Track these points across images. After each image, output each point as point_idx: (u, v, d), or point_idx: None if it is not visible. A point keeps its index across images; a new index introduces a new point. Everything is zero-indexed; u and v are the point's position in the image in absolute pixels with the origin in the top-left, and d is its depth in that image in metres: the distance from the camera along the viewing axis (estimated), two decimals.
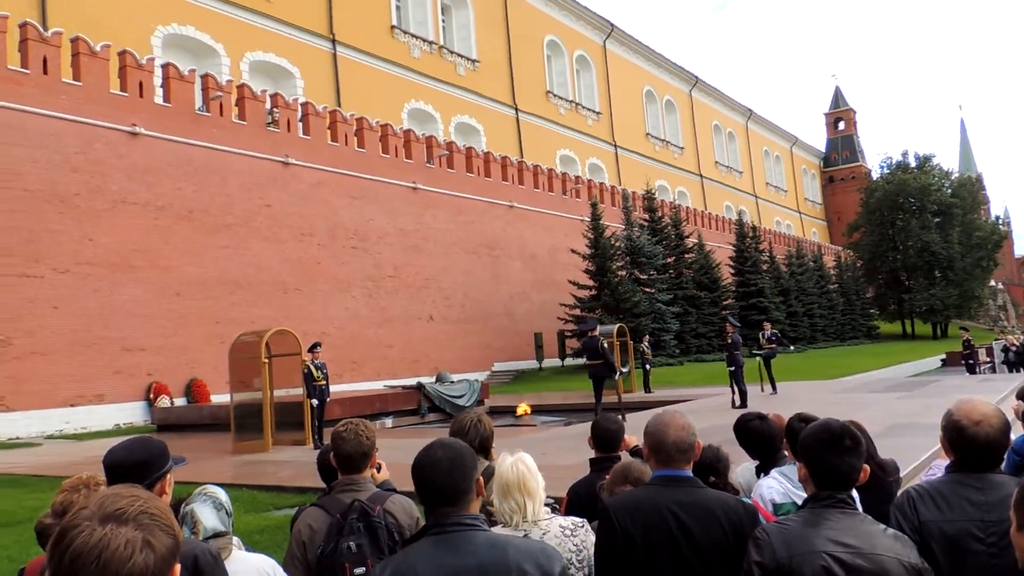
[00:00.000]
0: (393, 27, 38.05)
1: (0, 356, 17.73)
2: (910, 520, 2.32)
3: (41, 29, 20.16)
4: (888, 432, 10.63)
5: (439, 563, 2.02)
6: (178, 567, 1.21)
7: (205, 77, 23.90)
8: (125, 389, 19.89)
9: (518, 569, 2.00)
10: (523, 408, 18.05)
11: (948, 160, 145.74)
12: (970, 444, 2.36)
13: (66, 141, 19.54)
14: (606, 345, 15.33)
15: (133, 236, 20.58)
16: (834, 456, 2.21)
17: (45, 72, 19.46)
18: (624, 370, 17.22)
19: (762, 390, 18.33)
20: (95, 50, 20.64)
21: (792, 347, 20.66)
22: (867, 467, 2.28)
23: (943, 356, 36.40)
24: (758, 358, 18.67)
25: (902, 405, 14.64)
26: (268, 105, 25.47)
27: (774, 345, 18.77)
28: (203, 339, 21.54)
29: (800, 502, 3.19)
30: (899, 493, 2.71)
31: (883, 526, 2.18)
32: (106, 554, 1.11)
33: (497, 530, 2.75)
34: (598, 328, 15.98)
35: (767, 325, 19.72)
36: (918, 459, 8.48)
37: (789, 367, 29.79)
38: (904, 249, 59.74)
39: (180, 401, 20.69)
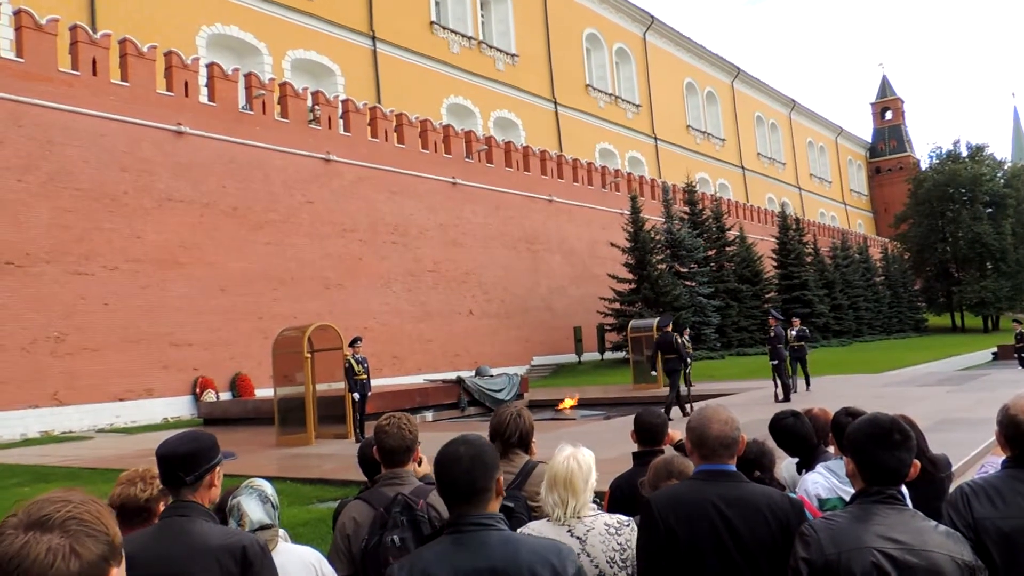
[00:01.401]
0: (432, 23, 38.18)
1: (54, 352, 18.26)
2: (964, 517, 2.25)
3: (90, 31, 20.66)
4: (938, 427, 10.39)
5: (452, 563, 2.01)
6: (116, 571, 1.14)
7: (248, 76, 24.27)
8: (172, 383, 20.34)
9: (530, 570, 1.98)
10: (569, 401, 18.06)
11: (1001, 149, 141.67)
12: None
13: (115, 141, 20.01)
14: (679, 340, 15.67)
15: (179, 233, 21.01)
16: (883, 451, 2.15)
17: (95, 73, 19.94)
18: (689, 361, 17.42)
19: (795, 388, 17.71)
20: (142, 51, 21.08)
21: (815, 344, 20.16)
22: (917, 462, 2.22)
23: (995, 349, 35.42)
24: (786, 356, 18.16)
25: (952, 399, 14.29)
26: (309, 103, 25.77)
27: (803, 342, 18.15)
28: (247, 334, 21.91)
29: (846, 497, 3.13)
30: (951, 489, 2.64)
31: (934, 522, 2.12)
32: (25, 563, 1.06)
33: (540, 524, 2.75)
34: (671, 324, 16.41)
35: (796, 321, 19.04)
36: (969, 454, 8.28)
37: (835, 361, 29.31)
38: (954, 240, 58.23)
39: (225, 395, 21.08)
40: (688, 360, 22.13)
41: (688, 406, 14.94)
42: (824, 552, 2.05)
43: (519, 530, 2.56)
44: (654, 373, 16.95)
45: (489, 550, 2.03)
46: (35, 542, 1.08)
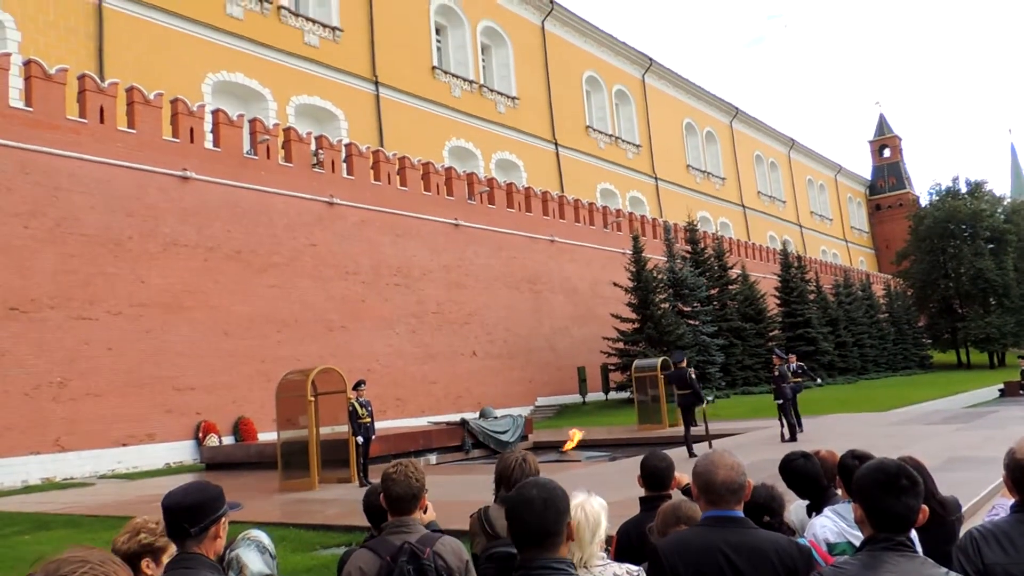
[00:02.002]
0: (434, 68, 38.78)
1: (57, 397, 18.21)
2: (974, 563, 2.23)
3: (98, 80, 21.01)
4: (946, 466, 10.29)
5: None
6: None
7: (253, 121, 24.60)
8: (175, 428, 20.24)
9: None
10: (575, 438, 17.83)
11: (1000, 185, 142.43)
12: None
13: (120, 187, 20.22)
14: (693, 376, 15.53)
15: (184, 277, 21.10)
16: (890, 497, 2.14)
17: (102, 121, 20.22)
18: (710, 399, 17.00)
19: (782, 439, 16.42)
20: (149, 98, 21.41)
21: (819, 381, 19.21)
22: (926, 508, 2.20)
23: (1001, 386, 35.16)
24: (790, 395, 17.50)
25: (960, 437, 14.17)
26: (313, 147, 26.07)
27: (800, 379, 17.48)
28: (250, 377, 21.87)
29: (855, 541, 3.11)
30: (961, 533, 2.62)
31: (944, 569, 2.10)
32: None
33: None
34: (685, 359, 16.21)
35: (792, 357, 18.25)
36: (979, 494, 8.19)
37: (841, 399, 29.12)
38: (956, 277, 58.26)
39: (228, 439, 20.96)
40: (704, 398, 22.10)
41: (708, 442, 14.73)
42: None
43: None
44: (705, 404, 16.18)
45: None
46: None
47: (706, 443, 14.95)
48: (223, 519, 2.49)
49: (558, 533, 2.13)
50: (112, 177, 20.09)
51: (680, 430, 16.10)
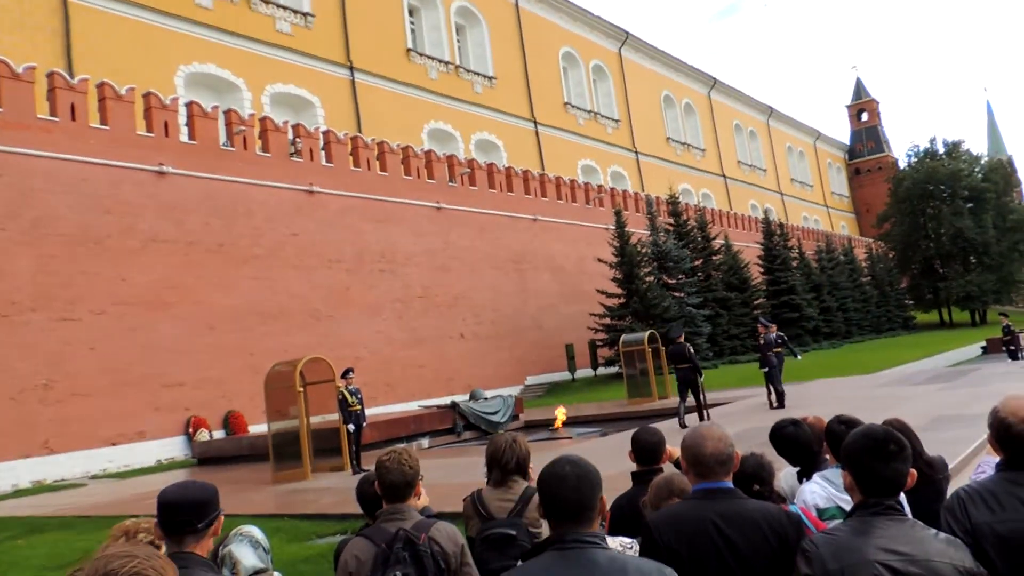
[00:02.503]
0: (409, 50, 38.44)
1: (43, 400, 18.08)
2: (961, 522, 2.26)
3: (68, 77, 20.66)
4: (932, 425, 10.42)
5: None
6: None
7: (228, 112, 24.32)
8: (165, 425, 20.17)
9: None
10: (560, 415, 17.96)
11: (976, 144, 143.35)
12: (1018, 442, 2.30)
13: (97, 184, 19.97)
14: (692, 350, 15.73)
15: (165, 273, 20.93)
16: (879, 463, 2.16)
17: (73, 118, 19.92)
18: (796, 354, 16.93)
19: (771, 406, 16.46)
20: (120, 93, 21.10)
21: (798, 356, 18.83)
22: (914, 471, 2.23)
23: (983, 343, 35.64)
24: (764, 369, 16.76)
25: (944, 397, 14.36)
26: (290, 136, 25.83)
27: (779, 350, 16.85)
28: (238, 371, 21.78)
29: (844, 506, 3.14)
30: (949, 493, 2.66)
31: (934, 531, 2.13)
32: None
33: None
34: (682, 334, 16.42)
35: (772, 327, 17.54)
36: (965, 452, 8.31)
37: (826, 363, 29.39)
38: (937, 237, 58.75)
39: (219, 434, 20.91)
40: (701, 371, 22.22)
41: (705, 412, 15.07)
42: (826, 567, 2.06)
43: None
44: (702, 377, 16.18)
45: (596, 567, 2.02)
46: None
47: (695, 414, 15.13)
48: (221, 517, 2.50)
49: (592, 508, 2.15)
50: (87, 175, 19.84)
51: (671, 402, 16.22)
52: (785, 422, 3.87)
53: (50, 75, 20.07)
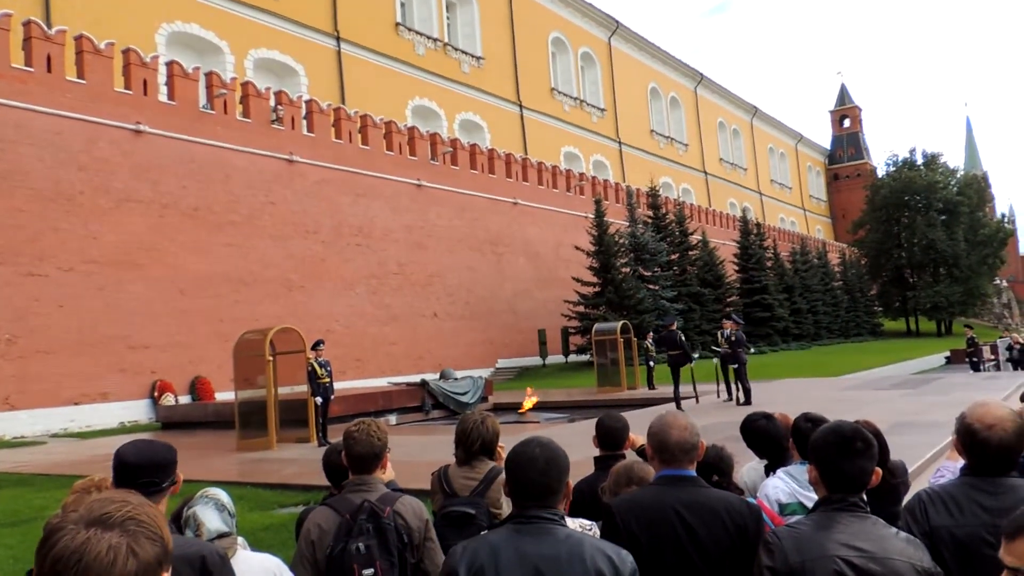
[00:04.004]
0: (398, 24, 38.03)
1: (5, 355, 17.77)
2: (920, 524, 2.30)
3: (45, 27, 20.18)
4: (892, 430, 10.58)
5: (518, 548, 2.05)
6: None
7: (209, 75, 23.92)
8: (130, 387, 19.94)
9: (593, 565, 2.02)
10: (529, 402, 18.05)
11: (954, 157, 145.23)
12: (982, 448, 2.34)
13: (71, 139, 19.58)
14: (683, 338, 16.18)
15: (138, 234, 20.61)
16: (845, 459, 2.18)
17: (49, 70, 19.48)
18: (696, 356, 17.26)
19: (718, 396, 16.51)
20: (99, 48, 20.66)
21: (751, 349, 18.67)
22: (879, 470, 2.26)
23: (947, 354, 36.31)
24: (715, 360, 16.85)
25: (906, 403, 14.60)
26: (272, 103, 25.49)
27: (727, 348, 16.11)
28: (207, 337, 21.57)
29: (806, 502, 3.18)
30: (908, 494, 2.70)
31: (895, 529, 2.15)
32: (87, 559, 1.09)
33: None
34: (675, 322, 16.96)
35: (727, 324, 16.92)
36: (923, 457, 8.47)
37: (794, 364, 29.77)
38: (909, 246, 59.64)
39: (185, 399, 20.73)
40: (651, 363, 22.47)
41: (695, 397, 15.72)
42: (788, 560, 2.08)
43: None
44: (691, 364, 16.26)
45: (554, 540, 2.07)
46: (96, 539, 1.11)
47: (672, 404, 15.32)
48: (180, 477, 2.48)
49: (558, 492, 2.17)
50: (61, 129, 19.43)
51: (640, 392, 16.40)
52: (757, 415, 3.91)
53: (26, 24, 19.58)
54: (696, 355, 16.87)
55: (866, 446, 2.20)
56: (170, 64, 22.79)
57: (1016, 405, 5.58)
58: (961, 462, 2.49)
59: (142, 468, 2.38)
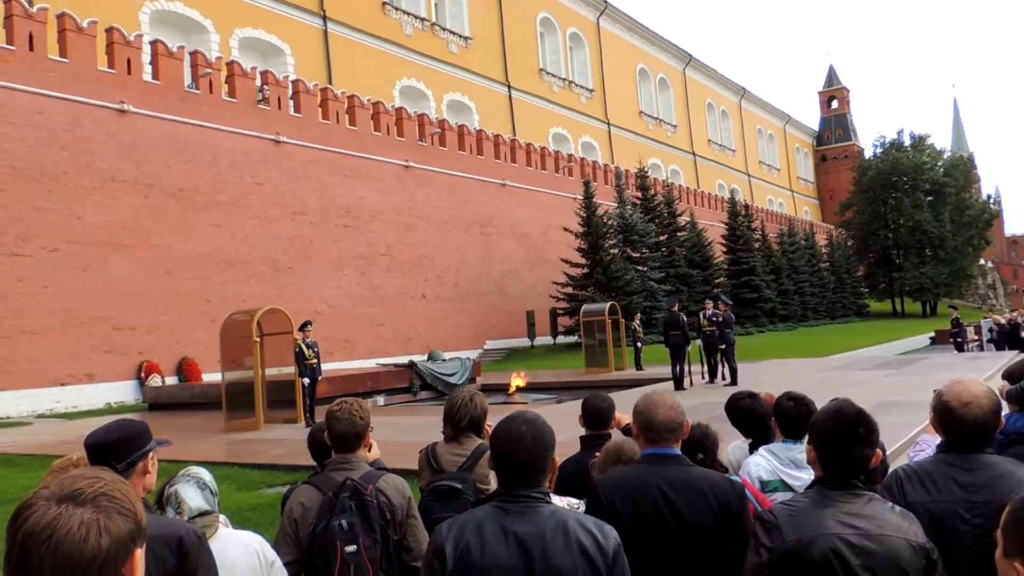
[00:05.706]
0: (385, 3, 37.65)
1: None
2: (897, 500, 2.31)
3: (26, 5, 19.86)
4: (875, 410, 10.59)
5: (502, 523, 2.05)
6: (139, 552, 1.15)
7: (194, 54, 23.64)
8: (116, 368, 19.85)
9: (577, 541, 2.03)
10: (517, 382, 18.03)
11: (941, 139, 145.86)
12: (959, 425, 2.35)
13: (53, 119, 19.34)
14: (685, 319, 16.43)
15: (122, 214, 20.44)
16: (846, 445, 2.17)
17: (31, 48, 19.21)
18: (693, 336, 17.29)
19: (702, 377, 16.61)
20: (82, 26, 20.37)
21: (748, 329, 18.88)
22: (879, 452, 2.25)
23: (932, 334, 36.60)
24: (698, 342, 16.83)
25: (890, 383, 14.74)
26: (258, 82, 25.24)
27: (714, 329, 16.12)
28: (194, 318, 21.48)
29: (788, 479, 3.21)
30: (888, 471, 2.72)
31: (890, 504, 2.16)
32: (58, 535, 1.07)
33: None
34: (677, 304, 17.29)
35: (709, 304, 16.86)
36: (905, 437, 8.55)
37: (781, 345, 29.96)
38: (896, 228, 59.95)
39: (171, 380, 20.67)
40: (639, 344, 22.57)
41: (689, 380, 16.06)
42: (785, 538, 2.08)
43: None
44: (690, 346, 16.35)
45: (539, 517, 2.06)
46: (68, 515, 1.09)
47: (656, 385, 15.39)
48: (151, 455, 2.47)
49: (544, 469, 2.16)
50: (44, 108, 19.19)
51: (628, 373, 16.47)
52: (742, 394, 3.93)
53: (7, 2, 19.27)
54: (694, 335, 16.70)
55: (868, 432, 2.18)
56: (154, 43, 22.50)
57: (999, 384, 5.63)
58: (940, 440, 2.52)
59: (109, 446, 2.37)
